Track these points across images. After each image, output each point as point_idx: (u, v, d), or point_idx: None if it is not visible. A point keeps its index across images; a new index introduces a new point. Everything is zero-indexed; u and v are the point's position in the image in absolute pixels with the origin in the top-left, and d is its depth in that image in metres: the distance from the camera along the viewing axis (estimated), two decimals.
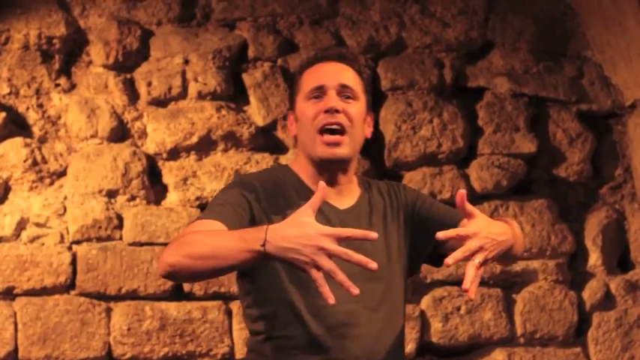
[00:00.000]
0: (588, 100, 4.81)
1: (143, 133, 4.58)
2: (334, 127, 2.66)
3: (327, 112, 2.65)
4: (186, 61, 4.62)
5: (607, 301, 4.64)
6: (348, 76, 2.72)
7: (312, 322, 2.60)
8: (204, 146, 4.56)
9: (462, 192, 2.45)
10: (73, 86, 4.62)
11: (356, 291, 2.25)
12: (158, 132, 4.55)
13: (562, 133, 4.75)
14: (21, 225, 4.45)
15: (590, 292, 4.63)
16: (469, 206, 2.48)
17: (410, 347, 4.47)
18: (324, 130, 2.65)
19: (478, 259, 2.43)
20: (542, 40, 4.84)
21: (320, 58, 2.77)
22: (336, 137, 2.65)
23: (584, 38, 4.85)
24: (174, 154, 4.55)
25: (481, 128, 4.72)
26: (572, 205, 4.74)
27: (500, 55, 4.81)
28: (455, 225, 2.65)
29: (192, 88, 4.60)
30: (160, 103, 4.60)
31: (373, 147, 4.63)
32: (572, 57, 4.87)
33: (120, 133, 4.57)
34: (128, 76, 4.63)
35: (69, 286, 4.42)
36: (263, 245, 2.31)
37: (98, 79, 4.60)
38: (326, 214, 2.63)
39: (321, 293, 2.26)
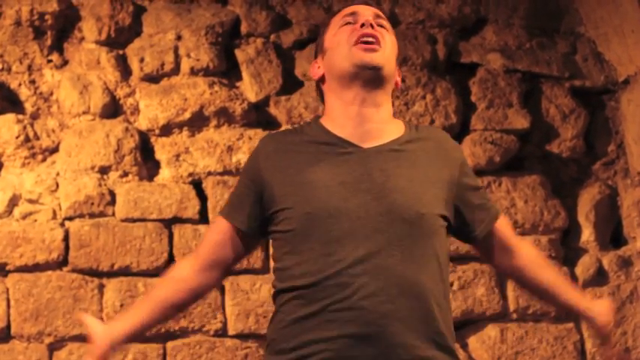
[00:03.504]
0: (581, 76, 4.80)
1: (135, 109, 4.57)
2: (370, 39, 2.49)
3: (362, 26, 2.51)
4: (179, 37, 4.61)
5: (600, 276, 4.64)
6: (381, 13, 2.63)
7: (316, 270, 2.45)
8: (197, 122, 4.55)
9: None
10: (65, 62, 4.61)
11: None
12: (150, 108, 4.54)
13: (555, 109, 4.75)
14: (13, 201, 4.44)
15: (583, 268, 4.64)
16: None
17: None
18: (359, 42, 2.49)
19: None
20: (536, 16, 4.83)
21: (350, 4, 2.66)
22: (373, 46, 2.48)
23: (578, 14, 4.85)
24: (166, 130, 4.54)
25: (474, 104, 4.71)
26: (565, 181, 4.74)
27: (494, 31, 4.80)
28: (478, 218, 2.62)
29: (185, 64, 4.58)
30: (152, 79, 4.59)
31: None
32: (566, 33, 4.86)
33: (112, 110, 4.56)
34: (120, 52, 4.61)
35: (61, 262, 4.41)
36: None
37: (90, 55, 4.58)
38: (345, 156, 2.49)
39: None
